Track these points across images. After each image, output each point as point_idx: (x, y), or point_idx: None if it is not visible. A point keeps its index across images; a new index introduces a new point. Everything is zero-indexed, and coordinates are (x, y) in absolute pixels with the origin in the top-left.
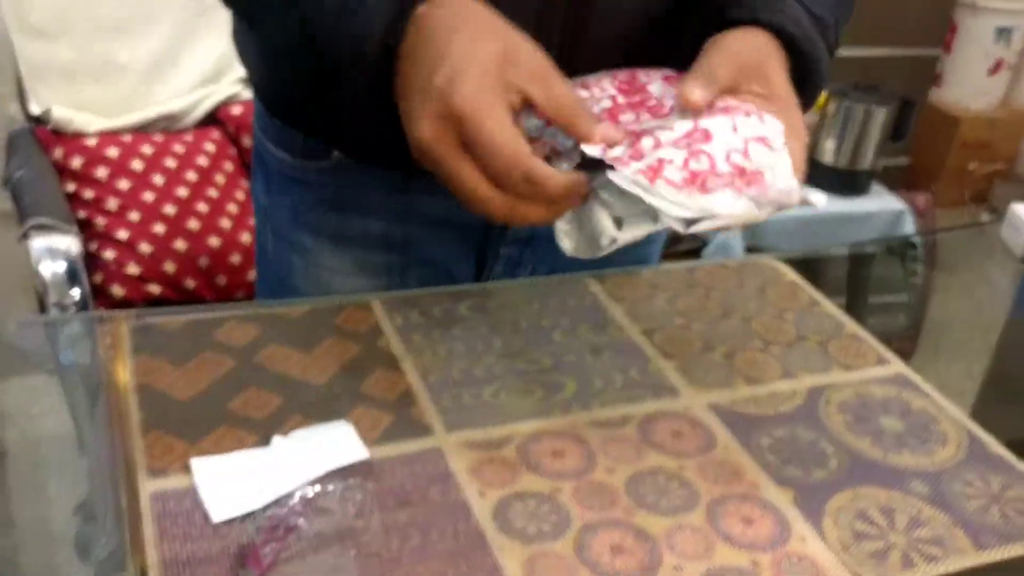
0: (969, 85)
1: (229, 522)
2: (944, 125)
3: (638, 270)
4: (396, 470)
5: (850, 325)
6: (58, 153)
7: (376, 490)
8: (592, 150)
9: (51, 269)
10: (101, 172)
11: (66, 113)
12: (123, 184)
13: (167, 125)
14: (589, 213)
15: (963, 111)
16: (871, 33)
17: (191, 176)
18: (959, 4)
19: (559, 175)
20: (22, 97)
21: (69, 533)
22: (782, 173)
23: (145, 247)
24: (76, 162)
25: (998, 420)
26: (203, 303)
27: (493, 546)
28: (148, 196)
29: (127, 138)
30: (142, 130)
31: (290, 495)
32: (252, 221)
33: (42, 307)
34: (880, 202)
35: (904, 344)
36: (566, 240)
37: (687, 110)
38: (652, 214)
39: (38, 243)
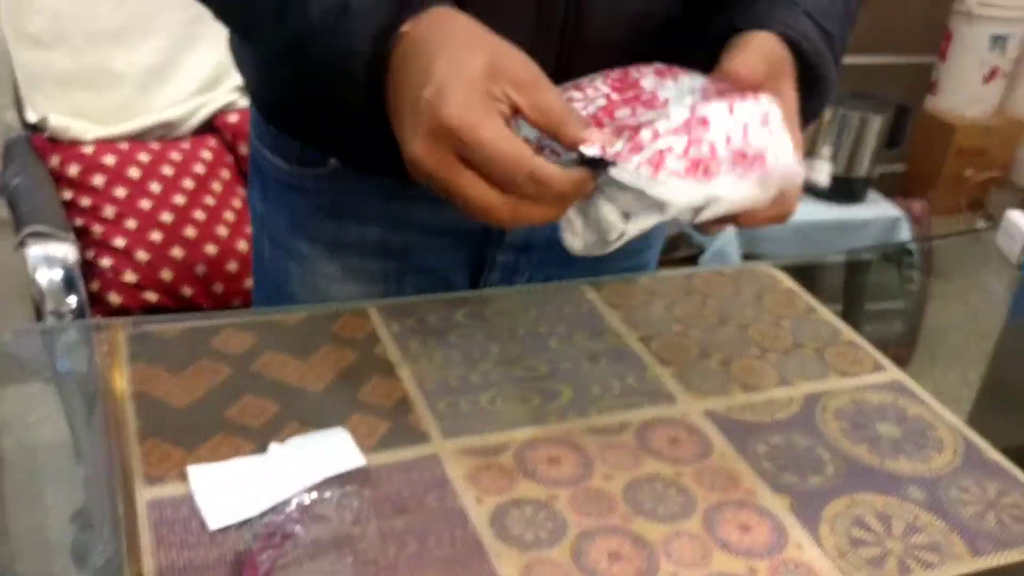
0: (964, 93)
1: (226, 529)
2: (940, 132)
3: (635, 277)
4: (393, 477)
5: (846, 332)
6: (55, 161)
7: (373, 497)
8: (591, 150)
9: (48, 277)
10: (98, 180)
11: (63, 121)
12: (120, 192)
13: (164, 133)
14: (595, 210)
15: (958, 119)
16: (867, 41)
17: (188, 184)
18: (954, 12)
19: (564, 172)
20: (19, 105)
21: (66, 541)
22: (783, 153)
23: (142, 255)
24: (73, 170)
25: (994, 427)
26: (200, 311)
27: (490, 553)
28: (145, 204)
29: (124, 146)
30: (139, 138)
31: (287, 502)
32: (249, 229)
33: (39, 315)
34: (876, 209)
35: (900, 351)
36: (574, 240)
37: (701, 95)
38: (658, 205)
39: (35, 251)
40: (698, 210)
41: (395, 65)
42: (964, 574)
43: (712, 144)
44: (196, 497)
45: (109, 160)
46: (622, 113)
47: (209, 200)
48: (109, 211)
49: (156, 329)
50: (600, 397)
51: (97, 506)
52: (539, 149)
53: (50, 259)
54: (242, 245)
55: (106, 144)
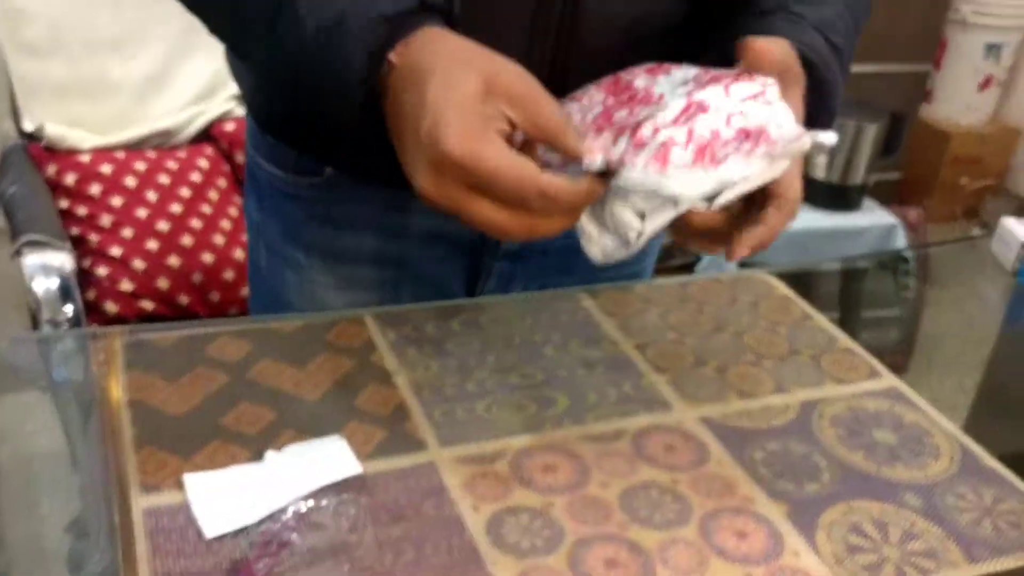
0: (959, 101)
1: (222, 537)
2: (935, 140)
3: (631, 285)
4: (389, 485)
5: (842, 339)
6: (51, 170)
7: (369, 505)
8: (594, 163)
9: (44, 286)
10: (94, 189)
11: (59, 130)
12: (116, 201)
13: (160, 142)
14: (609, 215)
15: (954, 126)
16: (862, 49)
17: (184, 192)
18: (949, 20)
19: (572, 184)
20: (15, 114)
21: (62, 550)
22: (784, 122)
23: (138, 263)
24: (69, 179)
25: (991, 433)
26: (196, 319)
27: (487, 560)
28: (141, 212)
29: (120, 155)
30: (135, 147)
31: (283, 510)
32: (245, 237)
33: (35, 324)
34: (872, 217)
35: (897, 358)
36: (594, 248)
37: (692, 69)
38: (672, 200)
39: (31, 260)
40: (712, 198)
41: (389, 90)
42: None
43: (714, 128)
44: (192, 505)
45: (106, 169)
46: (620, 115)
47: (206, 209)
48: (106, 220)
49: (152, 337)
50: (596, 405)
51: (93, 515)
52: (545, 164)
53: (46, 268)
54: (239, 254)
55: (103, 153)
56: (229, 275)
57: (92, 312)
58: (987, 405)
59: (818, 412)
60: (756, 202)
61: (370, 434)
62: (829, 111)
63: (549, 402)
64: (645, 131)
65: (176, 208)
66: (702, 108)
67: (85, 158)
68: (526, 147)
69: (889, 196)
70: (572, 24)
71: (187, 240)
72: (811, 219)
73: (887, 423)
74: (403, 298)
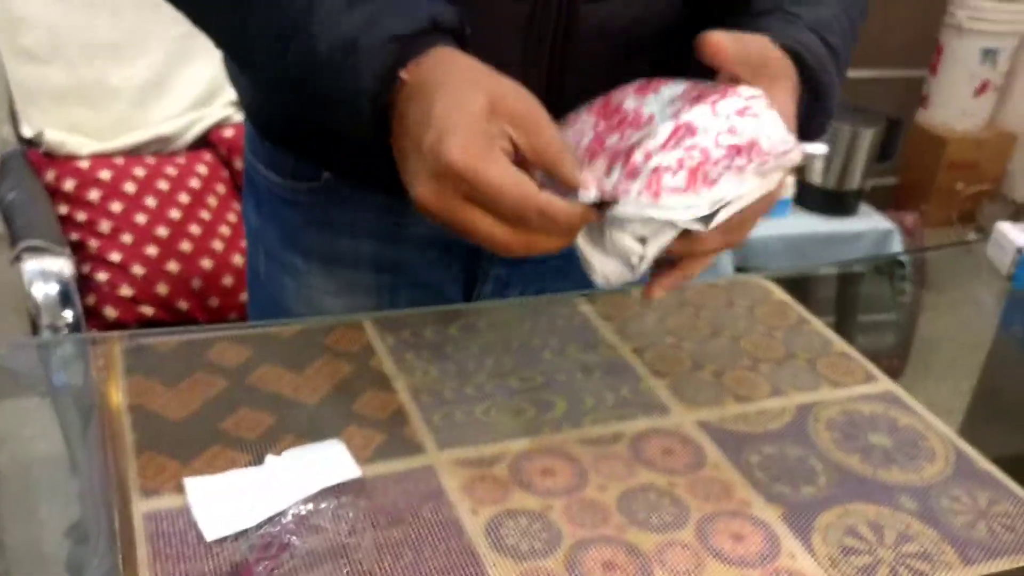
0: (955, 106)
1: (222, 541)
2: (931, 146)
3: (628, 289)
4: (388, 488)
5: (838, 343)
6: (50, 176)
7: (369, 508)
8: (588, 196)
9: (44, 291)
10: (93, 194)
11: (58, 136)
12: (115, 206)
13: (159, 148)
14: (610, 242)
15: (950, 132)
16: (858, 55)
17: (183, 198)
18: (945, 26)
19: (570, 206)
20: (14, 120)
21: (61, 555)
22: (775, 134)
23: (138, 269)
24: (68, 184)
25: (986, 437)
26: (196, 325)
27: (485, 563)
28: (141, 218)
29: (119, 161)
30: (134, 153)
31: (283, 513)
32: (244, 243)
33: (35, 329)
34: (868, 222)
35: (893, 362)
36: (597, 276)
37: (680, 84)
38: (670, 224)
39: (30, 265)
40: (708, 218)
41: (398, 105)
42: None
43: (704, 149)
44: (193, 509)
45: (105, 175)
46: (612, 140)
47: (204, 214)
48: (105, 225)
49: (152, 342)
50: (594, 408)
51: (93, 520)
52: (542, 187)
53: (46, 273)
54: (237, 259)
55: (102, 159)
56: (228, 281)
57: (91, 317)
58: (983, 409)
59: (814, 415)
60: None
61: (369, 438)
62: (826, 112)
63: (547, 406)
64: (637, 158)
65: (175, 214)
66: (691, 131)
67: (84, 164)
68: (523, 169)
69: (885, 201)
70: (567, 30)
71: (186, 246)
72: (808, 224)
73: (882, 426)
74: (401, 303)
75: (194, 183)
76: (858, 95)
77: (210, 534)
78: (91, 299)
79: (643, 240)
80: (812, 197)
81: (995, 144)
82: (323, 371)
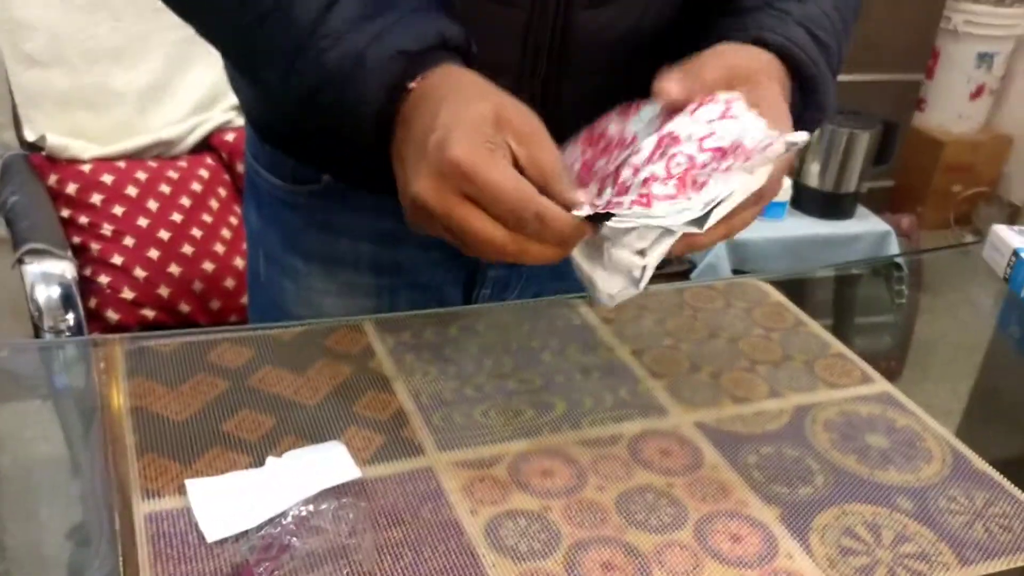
0: (951, 110)
1: (223, 542)
2: (928, 148)
3: None
4: (388, 489)
5: (835, 345)
6: (53, 179)
7: (369, 509)
8: (582, 212)
9: (46, 294)
10: (96, 198)
11: (61, 140)
12: (117, 210)
13: (161, 151)
14: (610, 259)
15: (946, 135)
16: (855, 59)
17: (185, 202)
18: (941, 30)
19: (568, 214)
20: (17, 124)
21: (63, 557)
22: (755, 131)
23: (139, 272)
24: (71, 188)
25: (984, 438)
26: (197, 327)
27: (484, 564)
28: (142, 221)
29: (121, 164)
30: (136, 156)
31: (284, 514)
32: (245, 246)
33: (37, 332)
34: (865, 224)
35: (891, 364)
36: (602, 295)
37: (660, 103)
38: (666, 231)
39: (33, 268)
40: (702, 219)
41: (403, 116)
42: None
43: (689, 155)
44: (194, 510)
45: (107, 178)
46: (600, 164)
47: (206, 217)
48: (107, 229)
49: (153, 344)
50: (592, 410)
51: (94, 522)
52: None
53: (48, 276)
54: (239, 262)
55: (104, 162)
56: (229, 283)
57: (93, 320)
58: (980, 410)
59: (811, 417)
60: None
61: (369, 439)
62: (818, 106)
63: (546, 407)
64: (626, 174)
65: (177, 217)
66: (674, 140)
67: (86, 168)
68: None
69: (882, 204)
70: (564, 38)
71: (188, 249)
72: (805, 227)
73: (879, 427)
74: (401, 305)
75: (196, 186)
76: (855, 99)
77: (211, 535)
78: (93, 302)
79: (642, 252)
80: (809, 200)
81: (991, 147)
82: (323, 373)
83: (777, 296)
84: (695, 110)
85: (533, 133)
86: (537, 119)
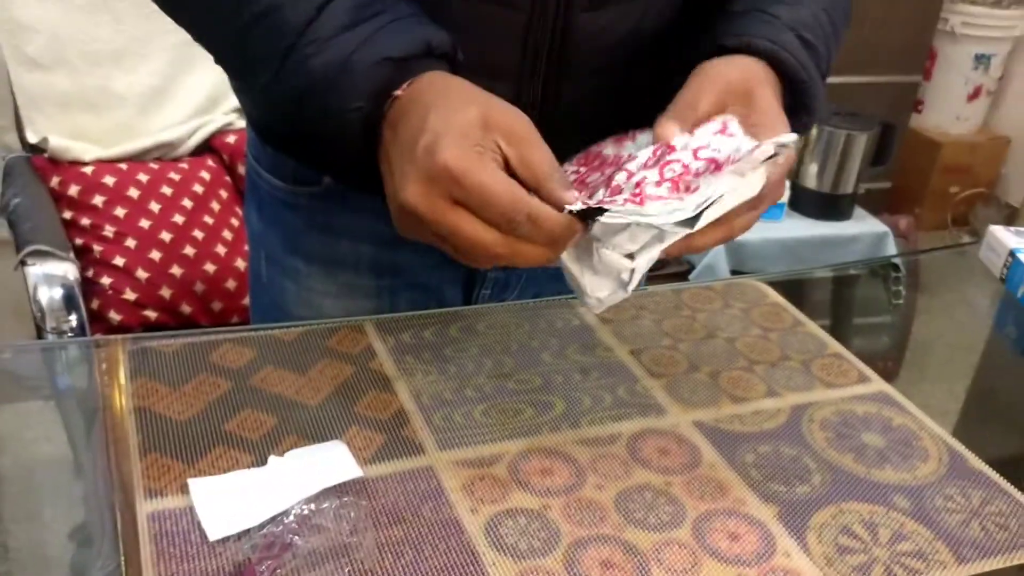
0: (949, 111)
1: (226, 540)
2: (925, 150)
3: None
4: (389, 488)
5: (832, 344)
6: (55, 181)
7: (370, 508)
8: (575, 206)
9: (48, 295)
10: (98, 199)
11: (62, 142)
12: (119, 211)
13: (163, 154)
14: (599, 261)
15: (943, 136)
16: (853, 61)
17: (187, 203)
18: (938, 31)
19: (559, 214)
20: (19, 126)
21: (65, 558)
22: (747, 146)
23: (142, 273)
24: (73, 190)
25: (981, 438)
26: (199, 328)
27: (485, 562)
28: (144, 223)
29: (123, 166)
30: (138, 158)
31: (286, 513)
32: (246, 247)
33: (39, 333)
34: (863, 225)
35: (888, 364)
36: (590, 298)
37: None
38: (657, 235)
39: (35, 270)
40: (693, 221)
41: (390, 122)
42: None
43: (683, 162)
44: (197, 509)
45: (109, 180)
46: (593, 177)
47: (207, 219)
48: (109, 230)
49: (155, 345)
50: (591, 409)
51: (96, 522)
52: None
53: (50, 278)
54: (240, 263)
55: (105, 164)
56: (231, 284)
57: (96, 321)
58: (976, 410)
59: (808, 416)
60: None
61: (370, 438)
62: (808, 110)
63: (546, 407)
64: (620, 177)
65: (178, 218)
66: (669, 148)
67: (88, 169)
68: None
69: (880, 205)
70: (564, 40)
71: (189, 250)
72: (803, 228)
73: (876, 426)
74: (401, 306)
75: (197, 188)
76: (853, 100)
77: (213, 534)
78: (95, 303)
79: (632, 256)
80: (807, 201)
81: (988, 148)
82: (325, 373)
83: (775, 296)
84: (694, 128)
85: (523, 133)
86: (527, 120)
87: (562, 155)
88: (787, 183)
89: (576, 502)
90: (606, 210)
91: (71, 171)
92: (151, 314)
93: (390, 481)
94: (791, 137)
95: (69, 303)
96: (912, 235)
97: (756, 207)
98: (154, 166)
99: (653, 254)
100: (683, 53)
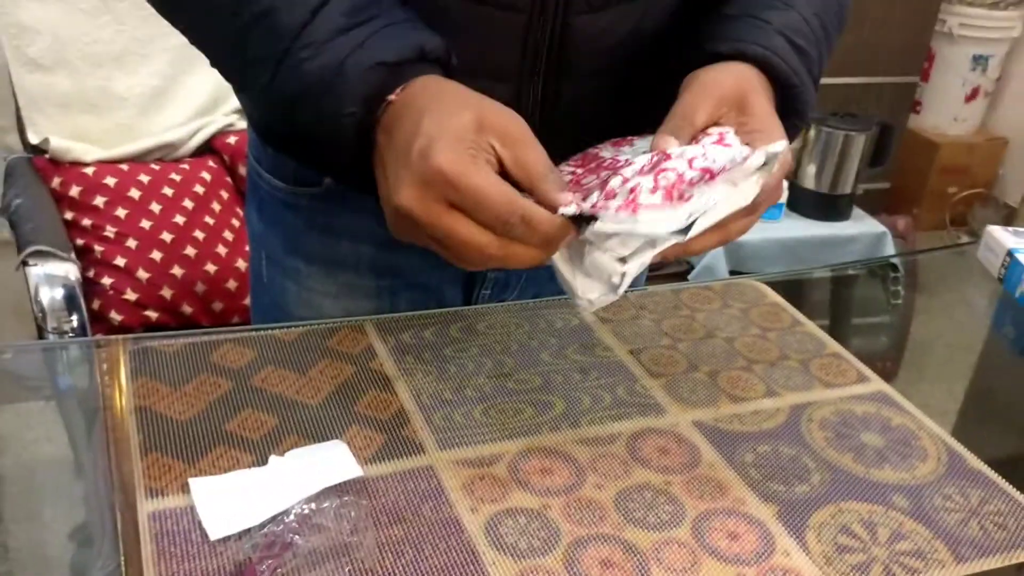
0: (947, 112)
1: (226, 540)
2: (923, 150)
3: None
4: (390, 487)
5: (831, 344)
6: (56, 182)
7: (370, 507)
8: (568, 210)
9: (49, 296)
10: (99, 200)
11: (64, 143)
12: (121, 212)
13: (164, 154)
14: (591, 264)
15: (941, 137)
16: (851, 62)
17: (187, 204)
18: (936, 32)
19: (552, 216)
20: (20, 127)
21: (65, 558)
22: (741, 156)
23: (143, 273)
24: (74, 190)
25: (979, 438)
26: (200, 328)
27: (485, 561)
28: (145, 223)
29: (124, 167)
30: (139, 159)
31: (286, 512)
32: (247, 247)
33: (40, 333)
34: (861, 226)
35: (887, 364)
36: (579, 299)
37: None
38: (649, 241)
39: (37, 270)
40: (684, 231)
41: (384, 126)
42: None
43: (678, 171)
44: (198, 508)
45: (110, 181)
46: (589, 180)
47: (208, 220)
48: (110, 231)
49: (156, 345)
50: (591, 409)
51: (97, 522)
52: None
53: (52, 278)
54: (241, 263)
55: (107, 165)
56: (232, 285)
57: (97, 322)
58: (975, 409)
59: (807, 415)
60: None
61: (371, 438)
62: (798, 114)
63: (545, 406)
64: (614, 182)
65: (179, 219)
66: (666, 156)
67: (89, 170)
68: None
69: (878, 205)
70: (563, 41)
71: (190, 250)
72: (801, 228)
73: (875, 426)
74: (401, 306)
75: (198, 189)
76: (851, 101)
77: (214, 533)
78: (96, 303)
79: (623, 259)
80: (806, 201)
81: (986, 149)
82: (325, 373)
83: (774, 296)
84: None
85: (518, 135)
86: (522, 121)
87: (562, 156)
88: (785, 184)
89: (576, 501)
90: (598, 218)
91: (72, 172)
92: (152, 314)
93: (390, 481)
94: (781, 145)
95: (70, 303)
96: (910, 235)
97: (753, 212)
98: (155, 167)
99: (645, 259)
100: (682, 54)
